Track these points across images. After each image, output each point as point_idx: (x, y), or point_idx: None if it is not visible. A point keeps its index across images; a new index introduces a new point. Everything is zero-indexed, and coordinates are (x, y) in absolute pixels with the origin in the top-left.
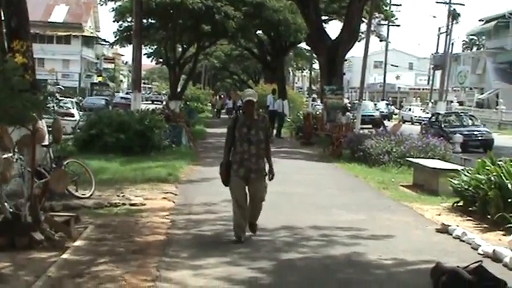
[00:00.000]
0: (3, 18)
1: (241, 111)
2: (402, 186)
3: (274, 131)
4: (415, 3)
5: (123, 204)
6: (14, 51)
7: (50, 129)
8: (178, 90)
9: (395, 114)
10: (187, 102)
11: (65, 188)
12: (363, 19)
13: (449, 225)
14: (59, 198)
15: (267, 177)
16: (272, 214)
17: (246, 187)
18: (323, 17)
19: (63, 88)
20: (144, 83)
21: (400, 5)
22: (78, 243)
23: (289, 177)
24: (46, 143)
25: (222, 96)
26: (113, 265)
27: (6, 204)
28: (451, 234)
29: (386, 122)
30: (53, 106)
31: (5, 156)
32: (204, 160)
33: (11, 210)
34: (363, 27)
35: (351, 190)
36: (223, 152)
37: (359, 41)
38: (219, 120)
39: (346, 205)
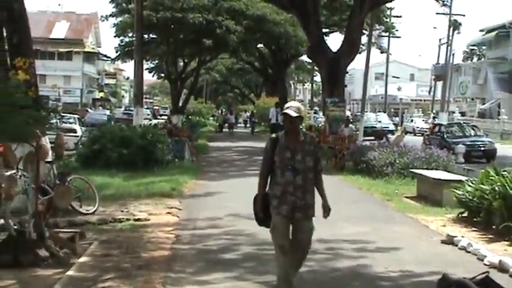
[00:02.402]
0: (5, 35)
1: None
2: (406, 197)
3: None
4: (416, 14)
5: (128, 219)
6: (17, 68)
7: (52, 145)
8: (180, 104)
9: (399, 126)
10: (189, 117)
11: (69, 204)
12: (364, 31)
13: (454, 236)
14: (63, 215)
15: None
16: None
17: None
18: (324, 30)
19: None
20: (145, 98)
21: (401, 16)
22: (83, 259)
23: None
24: (50, 159)
25: (223, 110)
26: (119, 281)
27: (10, 221)
28: (456, 245)
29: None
30: (56, 122)
31: (9, 173)
32: (208, 174)
33: (15, 227)
34: (364, 39)
35: (354, 202)
36: (257, 181)
37: (360, 53)
38: (221, 135)
39: (350, 217)
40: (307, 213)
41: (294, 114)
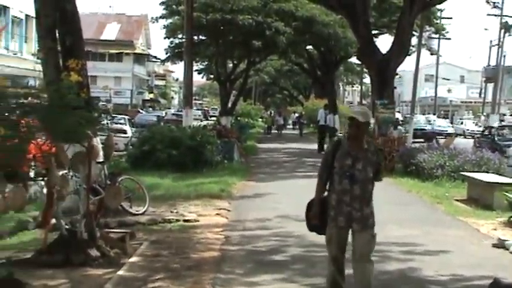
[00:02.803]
0: (57, 36)
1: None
2: (456, 200)
3: (326, 146)
4: (466, 16)
5: (177, 220)
6: (69, 70)
7: (103, 145)
8: (229, 105)
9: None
10: (238, 118)
11: (120, 204)
12: (414, 33)
13: (505, 240)
14: (114, 215)
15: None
16: None
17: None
18: (373, 31)
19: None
20: (195, 99)
21: (451, 18)
22: (133, 259)
23: None
24: (101, 159)
25: (271, 112)
26: (169, 281)
27: (62, 221)
28: (507, 249)
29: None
30: (107, 123)
31: (61, 173)
32: (257, 176)
33: (66, 227)
34: (414, 40)
35: (404, 205)
36: (316, 184)
37: (410, 55)
38: (270, 136)
39: (399, 220)
40: (365, 224)
41: (362, 119)
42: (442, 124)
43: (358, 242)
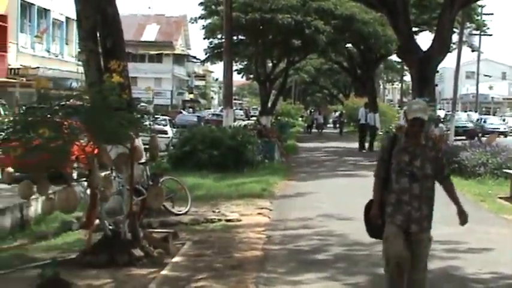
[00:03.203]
0: (98, 38)
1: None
2: (500, 198)
3: (367, 144)
4: (508, 11)
5: (219, 220)
6: (111, 71)
7: (145, 146)
8: (269, 105)
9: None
10: (279, 117)
11: (162, 204)
12: (454, 29)
13: None
14: (156, 215)
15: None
16: None
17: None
18: (413, 29)
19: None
20: (234, 99)
21: (492, 13)
22: (176, 259)
23: None
24: (143, 160)
25: (311, 111)
26: (212, 281)
27: (105, 221)
28: None
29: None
30: (149, 124)
31: (104, 174)
32: (298, 175)
33: (110, 227)
34: (455, 37)
35: (447, 203)
36: (373, 185)
37: (450, 52)
38: (310, 135)
39: (442, 218)
40: (422, 226)
41: (425, 117)
42: (494, 122)
43: (417, 243)
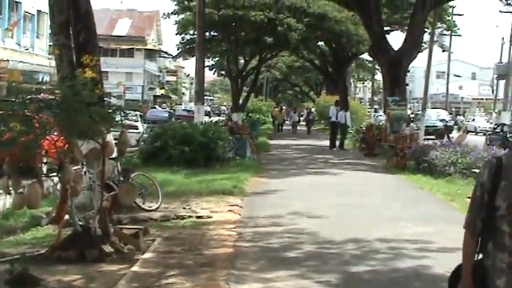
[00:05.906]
0: (71, 33)
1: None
2: (468, 198)
3: (337, 143)
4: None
5: (190, 216)
6: (84, 66)
7: (116, 141)
8: (241, 102)
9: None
10: (250, 114)
11: (133, 200)
12: (426, 29)
13: None
14: (127, 211)
15: None
16: (339, 226)
17: None
18: (385, 28)
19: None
20: (206, 95)
21: (463, 14)
22: (147, 255)
23: (354, 188)
24: (114, 156)
25: (283, 107)
26: (182, 278)
27: (75, 217)
28: None
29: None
30: (121, 119)
31: (75, 168)
32: (269, 172)
33: (80, 223)
34: (426, 37)
35: (416, 202)
36: (466, 231)
37: (421, 52)
38: (282, 133)
39: (412, 217)
40: None
41: None
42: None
43: None
